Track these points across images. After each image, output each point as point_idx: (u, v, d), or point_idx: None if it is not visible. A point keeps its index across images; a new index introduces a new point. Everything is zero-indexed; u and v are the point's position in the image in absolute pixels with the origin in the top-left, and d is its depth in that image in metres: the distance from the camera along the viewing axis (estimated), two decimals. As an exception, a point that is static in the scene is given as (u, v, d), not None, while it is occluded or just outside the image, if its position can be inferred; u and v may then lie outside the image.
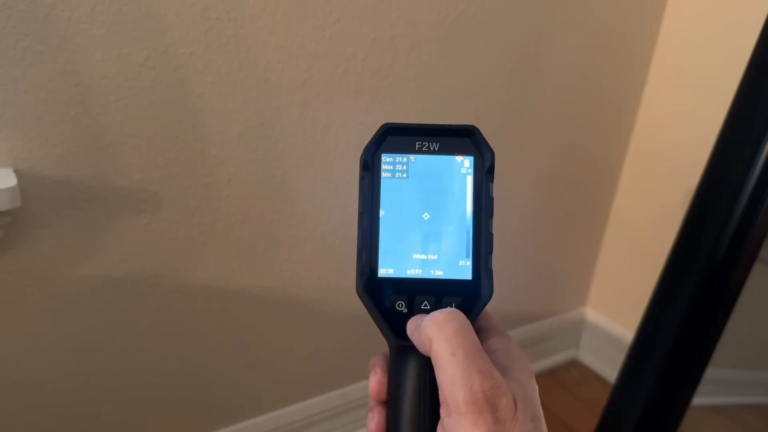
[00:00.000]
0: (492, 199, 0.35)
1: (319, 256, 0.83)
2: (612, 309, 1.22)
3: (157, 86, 0.64)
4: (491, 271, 0.34)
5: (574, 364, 1.26)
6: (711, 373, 0.72)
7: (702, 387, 0.72)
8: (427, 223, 0.35)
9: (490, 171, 0.35)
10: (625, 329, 1.17)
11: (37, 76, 0.57)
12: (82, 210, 0.65)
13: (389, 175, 0.35)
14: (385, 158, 0.35)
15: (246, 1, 0.65)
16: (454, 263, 0.34)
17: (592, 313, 1.25)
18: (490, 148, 0.35)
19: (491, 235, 0.34)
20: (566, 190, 1.08)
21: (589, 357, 1.26)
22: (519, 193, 1.00)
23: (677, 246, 0.69)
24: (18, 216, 0.61)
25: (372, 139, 0.35)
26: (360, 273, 0.34)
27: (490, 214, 0.34)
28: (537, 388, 0.31)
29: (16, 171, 0.59)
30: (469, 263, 0.34)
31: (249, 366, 0.86)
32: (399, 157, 0.35)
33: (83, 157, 0.63)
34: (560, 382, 1.20)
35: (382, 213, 0.35)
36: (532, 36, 0.88)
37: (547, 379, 1.20)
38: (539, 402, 0.31)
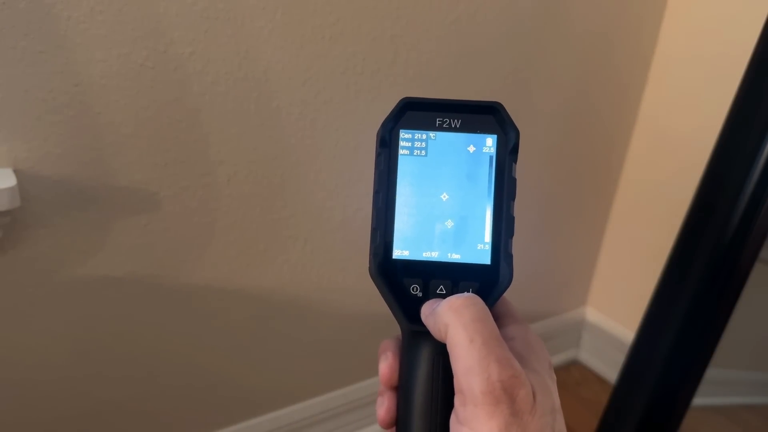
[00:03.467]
0: (515, 180, 0.33)
1: (319, 256, 0.83)
2: (612, 309, 1.22)
3: (156, 86, 0.63)
4: (511, 255, 0.33)
5: (574, 364, 1.26)
6: (711, 373, 0.72)
7: (702, 387, 0.72)
8: (445, 204, 0.33)
9: (514, 151, 0.33)
10: (625, 329, 1.17)
11: (37, 76, 0.57)
12: (82, 210, 0.65)
13: (407, 152, 0.33)
14: (404, 134, 0.33)
15: (246, 1, 0.65)
16: (473, 247, 0.33)
17: (592, 313, 1.25)
18: (515, 126, 0.33)
19: (512, 218, 0.33)
20: (566, 189, 1.08)
21: (589, 357, 1.26)
22: (519, 192, 0.99)
23: (678, 246, 0.69)
24: (18, 216, 0.61)
25: (390, 113, 0.34)
26: (374, 254, 0.33)
27: (512, 197, 0.33)
28: (555, 378, 0.30)
29: (15, 171, 0.59)
30: (488, 247, 0.33)
31: (249, 366, 0.86)
32: (418, 134, 0.33)
33: (83, 157, 0.63)
34: (560, 382, 1.19)
35: (398, 192, 0.33)
36: (532, 35, 0.88)
37: (547, 379, 1.19)
38: (557, 393, 0.30)
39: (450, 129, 0.33)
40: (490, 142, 0.33)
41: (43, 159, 0.60)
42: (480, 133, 0.33)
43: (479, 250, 0.33)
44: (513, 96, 0.90)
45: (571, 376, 1.22)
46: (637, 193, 1.12)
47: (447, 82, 0.83)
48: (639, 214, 1.12)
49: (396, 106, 0.34)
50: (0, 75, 0.56)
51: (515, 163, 0.33)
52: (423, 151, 0.33)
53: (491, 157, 0.33)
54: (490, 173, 0.33)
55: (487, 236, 0.33)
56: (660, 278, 0.71)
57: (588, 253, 1.20)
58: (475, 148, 0.33)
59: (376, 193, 0.33)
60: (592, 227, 1.17)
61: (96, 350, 0.73)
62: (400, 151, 0.33)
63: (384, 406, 0.33)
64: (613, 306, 1.21)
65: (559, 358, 1.24)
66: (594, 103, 1.02)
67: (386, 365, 0.33)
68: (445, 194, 0.33)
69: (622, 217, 1.15)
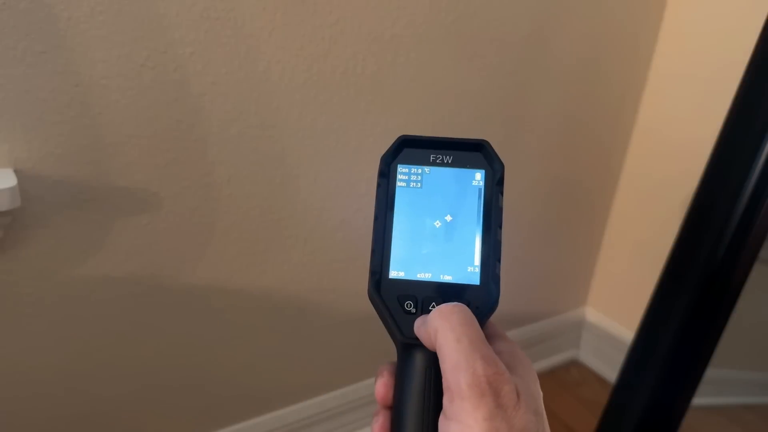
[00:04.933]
0: (501, 209, 0.36)
1: (319, 256, 0.83)
2: (612, 309, 1.22)
3: (157, 86, 0.64)
4: (498, 277, 0.35)
5: (574, 364, 1.26)
6: (711, 373, 0.72)
7: (702, 387, 0.72)
8: (438, 231, 0.36)
9: (500, 183, 0.36)
10: (625, 329, 1.17)
11: (37, 76, 0.57)
12: (82, 210, 0.65)
13: (404, 184, 0.37)
14: (401, 169, 0.37)
15: (246, 1, 0.65)
16: (463, 269, 0.35)
17: (592, 313, 1.25)
18: (500, 161, 0.36)
19: (499, 243, 0.35)
20: (566, 189, 1.08)
21: (589, 357, 1.26)
22: (519, 193, 1.00)
23: (677, 246, 0.69)
24: (18, 216, 0.61)
25: (389, 150, 0.37)
26: (372, 273, 0.35)
27: (499, 224, 0.36)
28: (541, 392, 0.31)
29: (16, 171, 0.59)
30: (477, 270, 0.35)
31: (249, 366, 0.86)
32: (414, 168, 0.37)
33: (83, 157, 0.63)
34: (560, 382, 1.20)
35: (395, 219, 0.36)
36: (531, 36, 0.88)
37: (547, 379, 1.20)
38: (542, 403, 0.31)
39: (443, 164, 0.37)
40: (478, 176, 0.37)
41: (44, 159, 0.61)
42: (469, 168, 0.37)
43: (469, 272, 0.35)
44: (514, 95, 0.91)
45: (571, 376, 1.22)
46: (636, 193, 1.12)
47: (446, 83, 0.83)
48: (639, 214, 1.12)
49: (394, 143, 0.37)
50: (1, 75, 0.56)
51: (502, 194, 0.36)
52: (418, 183, 0.37)
53: (480, 189, 0.36)
54: (479, 203, 0.36)
55: (477, 260, 0.35)
56: (660, 278, 0.71)
57: (588, 253, 1.20)
58: (465, 182, 0.37)
59: (375, 219, 0.36)
60: (591, 228, 1.17)
61: (96, 350, 0.73)
62: (398, 183, 0.37)
63: (378, 423, 0.34)
64: (613, 306, 1.22)
65: (559, 358, 1.24)
66: (594, 104, 1.02)
67: (381, 383, 0.35)
68: (438, 222, 0.36)
69: (622, 217, 1.15)
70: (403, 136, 0.37)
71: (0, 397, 0.69)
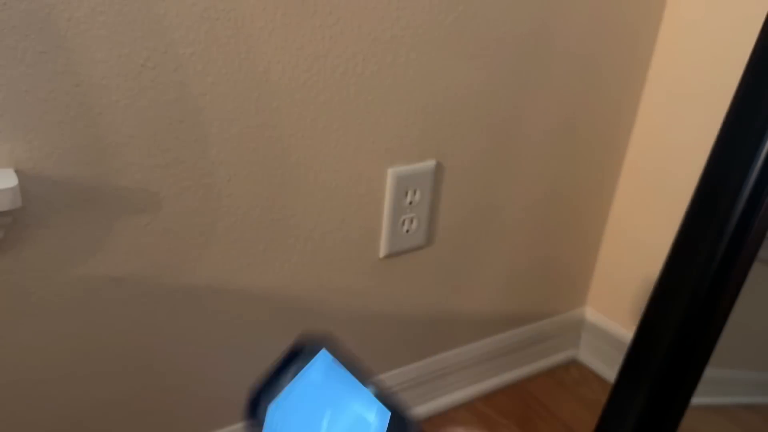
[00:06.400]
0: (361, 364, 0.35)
1: (319, 256, 0.83)
2: (612, 309, 1.22)
3: (157, 86, 0.64)
4: (400, 398, 0.33)
5: (574, 364, 1.26)
6: (711, 373, 0.72)
7: (702, 387, 0.72)
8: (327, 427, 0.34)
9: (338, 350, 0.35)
10: (625, 329, 1.17)
11: (37, 76, 0.57)
12: (82, 210, 0.65)
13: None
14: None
15: (246, 1, 0.65)
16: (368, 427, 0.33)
17: (592, 313, 1.25)
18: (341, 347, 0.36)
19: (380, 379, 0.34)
20: (566, 188, 1.08)
21: (589, 357, 1.26)
22: (518, 192, 1.00)
23: (677, 246, 0.69)
24: (18, 216, 0.61)
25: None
26: None
27: (368, 375, 0.35)
28: None
29: (16, 171, 0.59)
30: (376, 415, 0.34)
31: (250, 366, 0.86)
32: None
33: (84, 157, 0.63)
34: (560, 382, 1.20)
35: None
36: (531, 36, 0.88)
37: (547, 379, 1.20)
38: None
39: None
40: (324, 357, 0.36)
41: (44, 159, 0.61)
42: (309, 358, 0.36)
43: (373, 422, 0.33)
44: (514, 95, 0.91)
45: (571, 376, 1.22)
46: (636, 192, 1.12)
47: (447, 83, 0.83)
48: (639, 214, 1.12)
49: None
50: (1, 75, 0.56)
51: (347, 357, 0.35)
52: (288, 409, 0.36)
53: (330, 363, 0.36)
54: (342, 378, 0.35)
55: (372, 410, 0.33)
56: (659, 278, 0.71)
57: (588, 253, 1.20)
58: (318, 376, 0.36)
59: None
60: (591, 227, 1.17)
61: (96, 350, 0.73)
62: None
63: None
64: (613, 306, 1.21)
65: (559, 358, 1.24)
66: (594, 103, 1.02)
67: None
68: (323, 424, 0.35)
69: (622, 217, 1.15)
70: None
71: (0, 397, 0.69)
